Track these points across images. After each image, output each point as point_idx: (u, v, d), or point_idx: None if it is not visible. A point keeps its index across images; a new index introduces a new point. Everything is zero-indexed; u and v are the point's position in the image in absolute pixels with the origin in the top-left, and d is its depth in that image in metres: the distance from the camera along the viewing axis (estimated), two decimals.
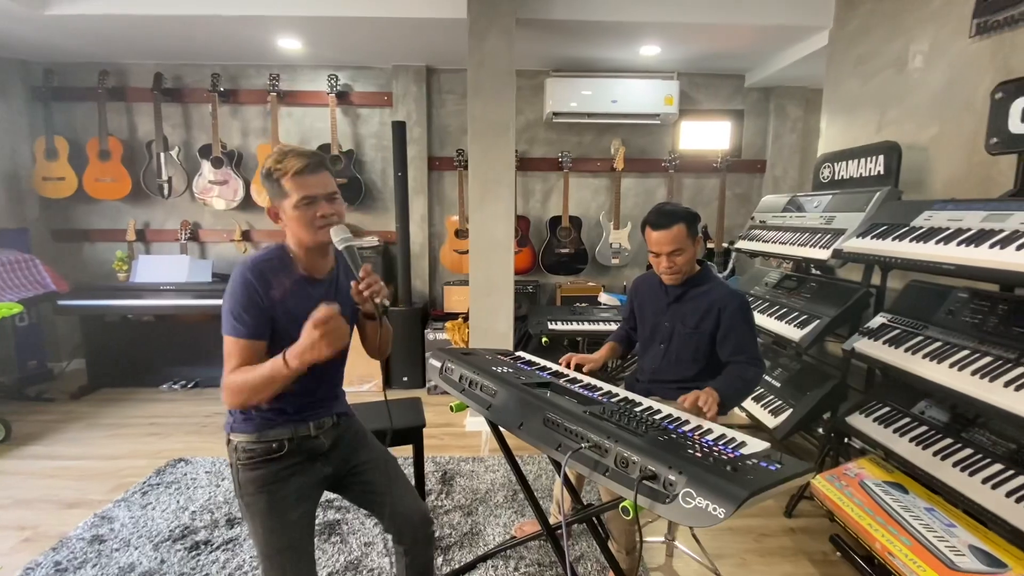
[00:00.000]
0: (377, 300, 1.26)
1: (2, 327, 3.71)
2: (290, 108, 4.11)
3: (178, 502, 2.34)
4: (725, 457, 1.10)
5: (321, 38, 3.50)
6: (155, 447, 2.91)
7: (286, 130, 4.08)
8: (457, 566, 1.92)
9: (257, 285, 1.22)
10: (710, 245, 4.20)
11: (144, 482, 2.51)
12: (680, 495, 1.00)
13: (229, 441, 1.30)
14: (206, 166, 3.94)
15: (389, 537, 1.39)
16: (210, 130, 3.91)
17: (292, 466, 1.29)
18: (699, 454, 1.10)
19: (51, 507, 2.33)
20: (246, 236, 4.17)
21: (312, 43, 3.60)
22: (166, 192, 3.98)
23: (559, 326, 3.09)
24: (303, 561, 1.29)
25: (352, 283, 1.26)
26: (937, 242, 1.62)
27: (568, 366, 1.78)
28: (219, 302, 4.08)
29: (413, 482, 2.14)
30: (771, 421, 2.40)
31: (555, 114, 3.98)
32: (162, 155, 3.93)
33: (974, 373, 1.52)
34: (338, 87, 3.95)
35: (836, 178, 2.68)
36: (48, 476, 2.60)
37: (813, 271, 2.78)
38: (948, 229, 1.64)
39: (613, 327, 3.11)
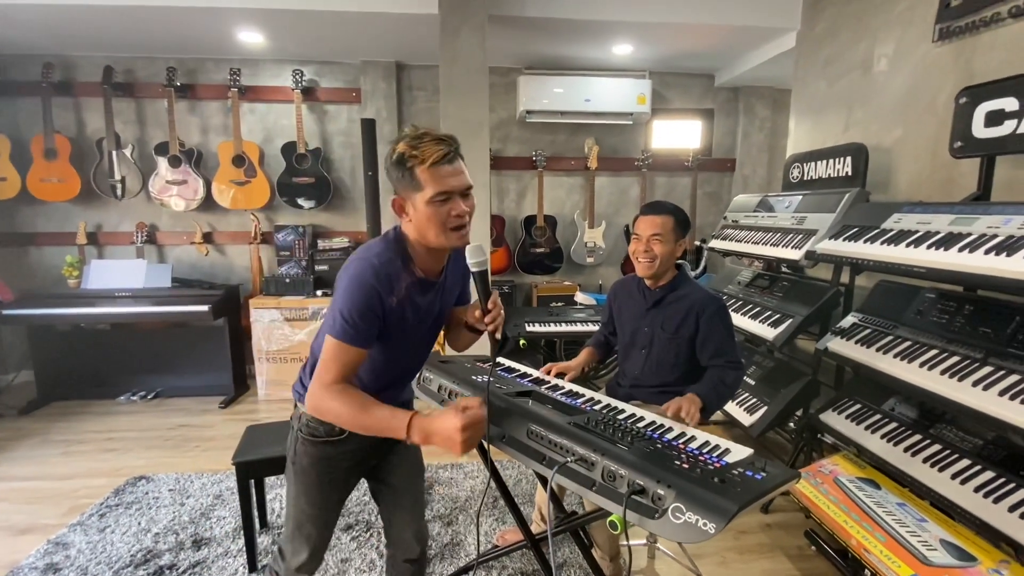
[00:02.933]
0: (497, 335, 1.23)
1: None
2: (253, 104, 3.95)
3: (139, 524, 2.21)
4: (712, 467, 1.09)
5: (285, 32, 3.36)
6: (113, 464, 2.75)
7: (249, 127, 3.92)
8: None
9: (380, 290, 1.12)
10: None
11: (102, 503, 2.36)
12: (669, 510, 0.99)
13: (296, 407, 1.32)
14: (163, 165, 3.74)
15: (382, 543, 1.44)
16: (166, 127, 3.72)
17: (348, 452, 1.29)
18: (686, 465, 1.09)
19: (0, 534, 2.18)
20: (207, 238, 3.99)
21: (275, 37, 3.45)
22: (119, 193, 3.76)
23: (537, 328, 3.06)
24: (324, 532, 1.35)
25: (477, 311, 1.24)
26: (908, 245, 1.66)
27: (549, 375, 1.75)
28: (181, 308, 3.79)
29: None
30: (746, 419, 2.43)
31: (528, 112, 3.94)
32: (114, 153, 3.71)
33: (943, 372, 1.56)
34: (304, 83, 3.81)
35: (805, 178, 2.73)
36: None
37: (784, 270, 2.83)
38: (917, 232, 1.68)
39: (590, 327, 3.11)
